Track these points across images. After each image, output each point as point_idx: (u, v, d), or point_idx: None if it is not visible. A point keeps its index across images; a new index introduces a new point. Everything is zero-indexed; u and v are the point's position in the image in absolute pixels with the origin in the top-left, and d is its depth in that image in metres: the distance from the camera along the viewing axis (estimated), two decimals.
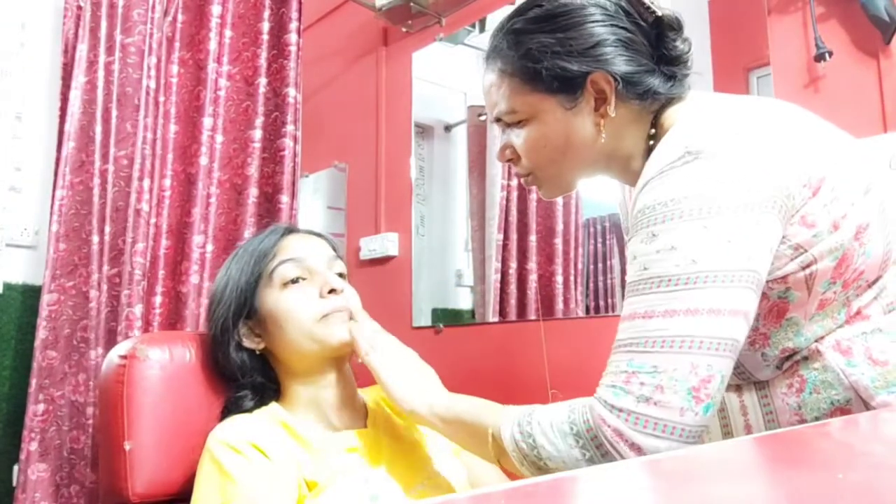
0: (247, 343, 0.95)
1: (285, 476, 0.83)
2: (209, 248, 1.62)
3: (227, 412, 0.95)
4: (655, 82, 0.76)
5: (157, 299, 1.59)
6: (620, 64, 0.75)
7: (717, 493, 0.42)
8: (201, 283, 1.60)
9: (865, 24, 1.19)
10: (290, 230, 1.00)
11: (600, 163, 0.80)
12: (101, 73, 1.71)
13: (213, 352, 0.97)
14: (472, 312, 1.93)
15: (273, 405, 0.94)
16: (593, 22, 0.74)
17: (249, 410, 0.93)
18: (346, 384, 0.97)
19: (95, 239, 1.65)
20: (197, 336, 1.02)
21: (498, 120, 0.81)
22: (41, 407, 1.65)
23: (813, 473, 0.46)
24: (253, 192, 1.63)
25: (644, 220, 0.68)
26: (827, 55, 1.22)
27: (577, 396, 1.36)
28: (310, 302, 0.92)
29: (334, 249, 1.01)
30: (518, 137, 0.79)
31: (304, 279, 0.93)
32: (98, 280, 1.63)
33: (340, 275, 0.98)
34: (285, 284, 0.93)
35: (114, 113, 1.65)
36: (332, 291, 0.92)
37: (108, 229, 1.62)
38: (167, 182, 1.65)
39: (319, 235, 1.02)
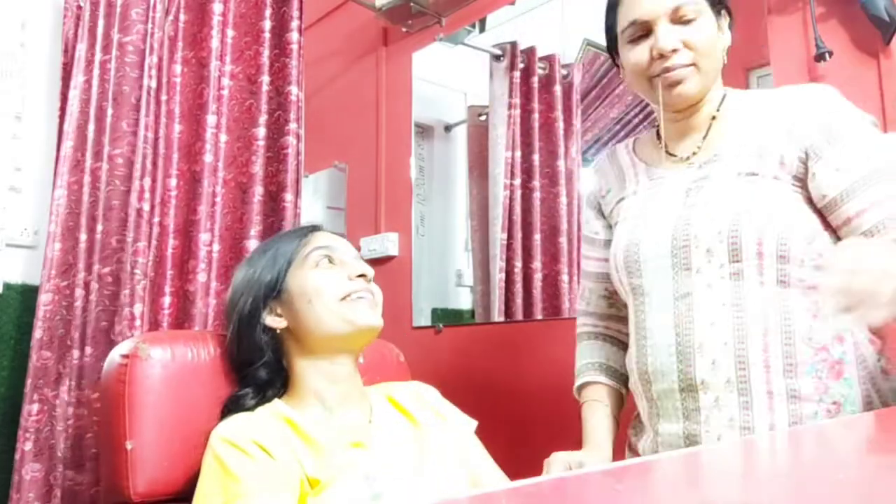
0: (268, 321, 0.96)
1: (288, 474, 0.83)
2: (216, 246, 1.62)
3: (227, 410, 0.95)
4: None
5: (167, 299, 1.58)
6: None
7: (717, 493, 0.42)
8: (209, 281, 1.60)
9: (865, 24, 1.19)
10: (317, 228, 1.05)
11: (715, 81, 0.99)
12: (96, 72, 1.70)
13: (238, 334, 0.97)
14: (472, 312, 1.94)
15: (276, 402, 0.94)
16: None
17: (251, 408, 0.93)
18: (354, 380, 0.97)
19: (83, 237, 1.64)
20: (199, 335, 1.02)
21: (676, 12, 0.93)
22: (35, 407, 1.65)
23: (813, 473, 0.46)
24: (258, 191, 1.63)
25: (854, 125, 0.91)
26: (827, 55, 1.22)
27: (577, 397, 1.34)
28: (339, 281, 0.96)
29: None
30: (696, 31, 0.94)
31: (334, 265, 0.98)
32: (85, 279, 1.62)
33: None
34: (317, 265, 0.97)
35: (109, 111, 1.64)
36: (361, 276, 0.97)
37: (99, 227, 1.61)
38: (172, 182, 1.64)
39: (343, 237, 1.07)
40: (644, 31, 0.95)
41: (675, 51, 0.93)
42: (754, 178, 0.91)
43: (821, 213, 0.92)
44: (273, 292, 0.96)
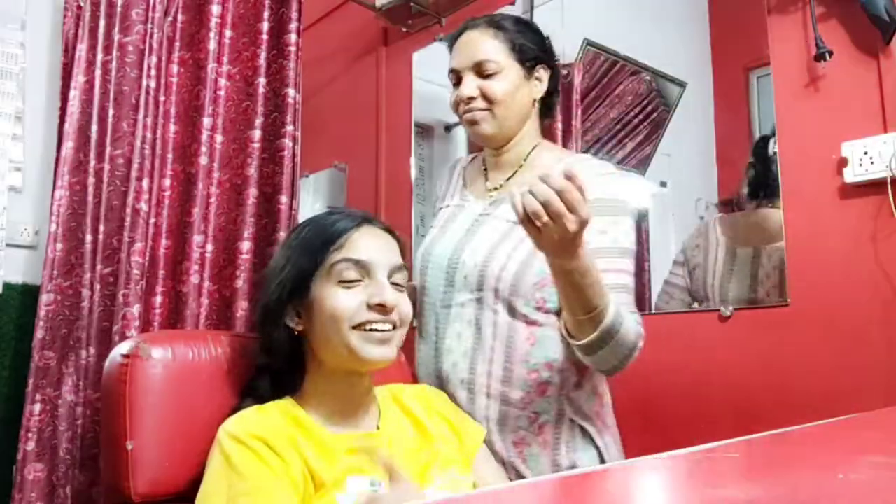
0: (288, 321, 0.94)
1: (293, 474, 0.83)
2: (209, 248, 1.62)
3: (243, 397, 0.95)
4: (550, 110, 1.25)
5: (157, 299, 1.58)
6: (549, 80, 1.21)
7: (717, 492, 0.42)
8: (201, 283, 1.59)
9: (865, 24, 1.19)
10: (366, 220, 0.97)
11: (519, 126, 1.19)
12: (98, 73, 1.70)
13: (261, 324, 0.97)
14: None
15: (287, 400, 0.93)
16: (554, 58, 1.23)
17: (263, 401, 0.93)
18: (365, 385, 0.96)
19: (89, 238, 1.65)
20: (200, 334, 1.02)
21: (479, 67, 1.15)
22: (38, 407, 1.65)
23: (813, 473, 0.46)
24: (252, 193, 1.62)
25: (605, 209, 1.08)
26: (827, 55, 1.22)
27: None
28: (357, 307, 0.90)
29: (401, 250, 0.99)
30: (494, 83, 1.15)
31: (360, 282, 0.92)
32: (91, 279, 1.63)
33: (397, 283, 0.95)
34: (340, 282, 0.91)
35: (110, 112, 1.64)
36: (380, 306, 0.90)
37: (101, 228, 1.61)
38: (167, 182, 1.64)
39: (392, 234, 0.99)
40: (458, 79, 1.17)
41: (472, 98, 1.15)
42: (514, 226, 1.08)
43: None
44: (299, 292, 0.93)
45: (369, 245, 0.94)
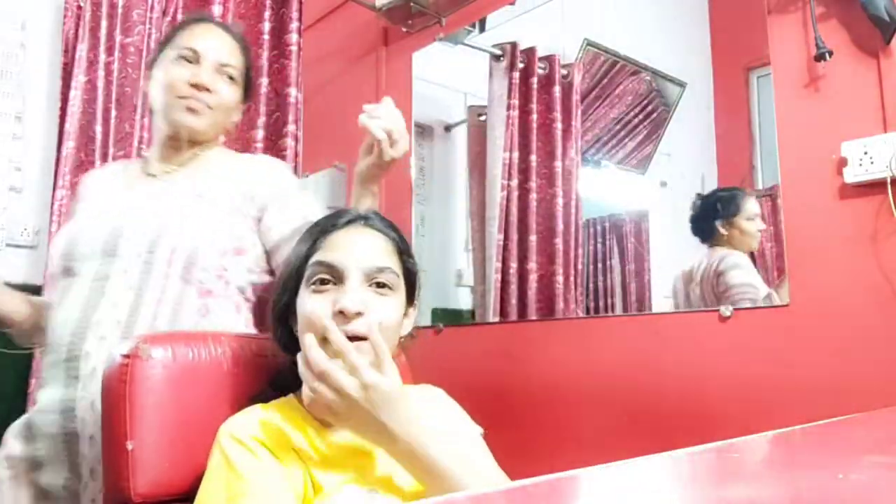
0: (291, 322, 0.93)
1: (292, 477, 0.83)
2: None
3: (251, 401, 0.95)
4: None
5: None
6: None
7: (717, 492, 0.42)
8: None
9: (865, 24, 1.19)
10: (360, 218, 0.93)
11: (216, 134, 1.27)
12: (101, 73, 1.71)
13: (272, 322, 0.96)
14: (473, 312, 1.94)
15: (292, 398, 0.93)
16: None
17: (267, 399, 0.92)
18: None
19: None
20: (200, 335, 1.02)
21: (223, 66, 1.21)
22: None
23: (813, 473, 0.46)
24: None
25: (292, 193, 1.24)
26: (827, 55, 1.22)
27: (577, 396, 1.35)
28: (322, 314, 0.85)
29: (400, 249, 0.93)
30: (229, 90, 1.23)
31: (332, 283, 0.87)
32: None
33: (382, 284, 0.88)
34: (312, 284, 0.88)
35: (113, 113, 1.65)
36: (340, 313, 0.84)
37: None
38: None
39: (386, 234, 0.93)
40: (196, 58, 1.19)
41: (207, 90, 1.18)
42: (200, 200, 1.16)
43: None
44: (294, 293, 0.91)
45: (347, 246, 0.89)
